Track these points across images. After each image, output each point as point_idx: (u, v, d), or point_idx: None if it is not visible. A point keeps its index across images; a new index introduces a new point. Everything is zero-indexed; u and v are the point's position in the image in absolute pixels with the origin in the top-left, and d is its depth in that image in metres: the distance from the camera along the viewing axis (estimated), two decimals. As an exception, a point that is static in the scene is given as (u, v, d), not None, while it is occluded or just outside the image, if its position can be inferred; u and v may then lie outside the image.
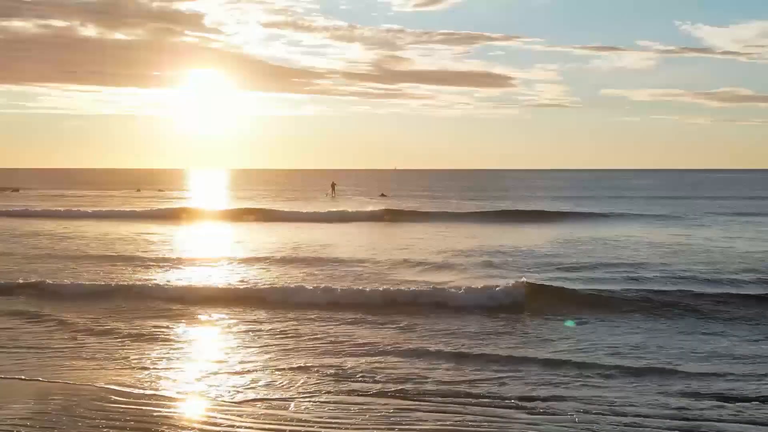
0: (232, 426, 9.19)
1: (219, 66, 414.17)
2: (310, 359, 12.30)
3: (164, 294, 18.04)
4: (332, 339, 13.78)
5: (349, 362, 12.07)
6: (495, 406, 9.87)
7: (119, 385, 10.84)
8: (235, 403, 10.10)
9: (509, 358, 12.29)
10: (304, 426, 9.17)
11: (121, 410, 9.68)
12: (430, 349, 12.94)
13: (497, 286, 17.54)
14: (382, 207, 52.04)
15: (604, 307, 16.45)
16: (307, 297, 17.36)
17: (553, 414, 9.56)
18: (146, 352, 12.84)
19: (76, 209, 51.89)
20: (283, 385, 10.86)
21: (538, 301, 16.66)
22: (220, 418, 9.46)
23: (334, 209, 50.39)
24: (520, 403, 9.93)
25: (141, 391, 10.56)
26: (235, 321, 15.46)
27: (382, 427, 9.12)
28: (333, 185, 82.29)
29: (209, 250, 28.95)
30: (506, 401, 10.05)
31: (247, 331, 14.53)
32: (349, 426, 9.17)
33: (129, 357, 12.53)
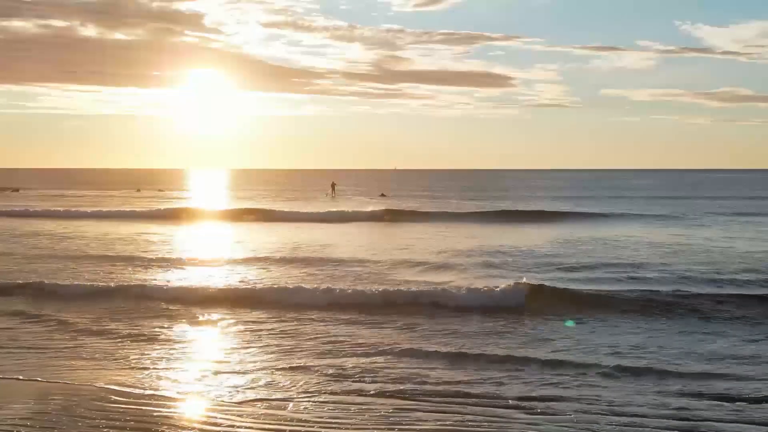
0: (232, 426, 9.20)
1: (219, 66, 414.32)
2: (310, 359, 12.31)
3: (164, 294, 18.04)
4: (332, 339, 13.79)
5: (349, 362, 12.08)
6: (495, 406, 9.87)
7: (119, 385, 10.85)
8: (235, 403, 10.11)
9: (509, 358, 12.29)
10: (304, 426, 9.18)
11: (121, 410, 9.69)
12: (429, 349, 12.94)
13: (497, 286, 17.54)
14: (382, 207, 52.04)
15: (604, 307, 16.45)
16: (306, 297, 17.36)
17: (553, 414, 9.56)
18: (146, 352, 12.85)
19: (76, 209, 51.92)
20: (283, 385, 10.87)
21: (538, 302, 16.66)
22: (220, 418, 9.46)
23: (334, 209, 50.42)
24: (519, 403, 9.93)
25: (141, 391, 10.56)
26: (234, 321, 15.47)
27: (382, 427, 9.12)
28: (333, 185, 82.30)
29: (209, 250, 28.95)
30: (506, 401, 10.06)
31: (246, 332, 14.54)
32: (348, 426, 9.18)
33: (129, 357, 12.54)
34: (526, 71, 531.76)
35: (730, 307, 16.35)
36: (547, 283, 18.44)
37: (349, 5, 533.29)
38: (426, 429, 9.08)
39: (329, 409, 9.78)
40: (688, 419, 9.32)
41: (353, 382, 11.02)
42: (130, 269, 22.57)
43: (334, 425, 9.19)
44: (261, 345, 13.39)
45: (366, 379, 11.15)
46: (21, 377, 11.30)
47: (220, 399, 10.29)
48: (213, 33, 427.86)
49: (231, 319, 15.68)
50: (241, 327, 14.92)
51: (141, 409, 9.78)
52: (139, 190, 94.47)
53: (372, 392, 10.51)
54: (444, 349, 12.90)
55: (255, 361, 12.23)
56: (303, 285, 18.94)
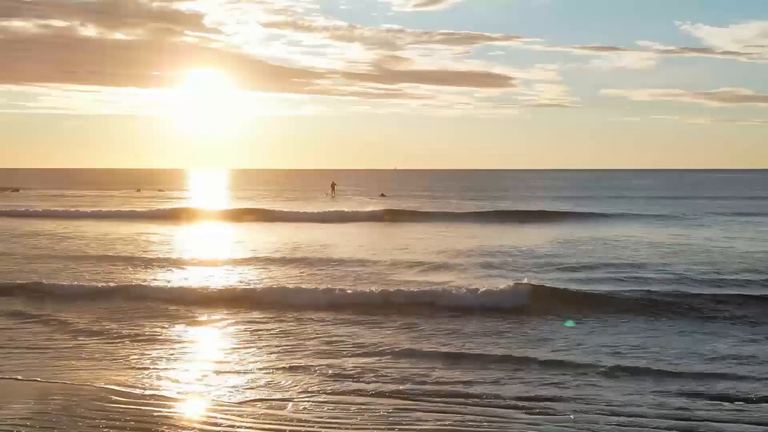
0: (233, 426, 9.20)
1: (219, 66, 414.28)
2: (310, 359, 12.31)
3: (164, 294, 18.04)
4: (332, 339, 13.79)
5: (349, 362, 12.08)
6: (495, 406, 9.87)
7: (119, 385, 10.85)
8: (235, 403, 10.11)
9: (509, 358, 12.30)
10: (304, 426, 9.18)
11: (122, 410, 9.69)
12: (429, 349, 12.95)
13: (498, 286, 17.54)
14: (382, 207, 52.06)
15: (604, 307, 16.45)
16: (306, 297, 17.36)
17: (553, 414, 9.56)
18: (146, 352, 12.85)
19: (76, 209, 51.93)
20: (283, 385, 10.87)
21: (538, 302, 16.66)
22: (221, 418, 9.46)
23: (334, 209, 50.43)
24: (519, 403, 9.93)
25: (141, 391, 10.57)
26: (234, 321, 15.47)
27: (382, 427, 9.13)
28: (333, 185, 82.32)
29: (209, 250, 28.96)
30: (506, 401, 10.06)
31: (246, 332, 14.54)
32: (348, 426, 9.18)
33: (129, 357, 12.54)
34: (526, 71, 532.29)
35: (730, 307, 16.35)
36: (547, 284, 18.45)
37: (349, 5, 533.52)
38: (426, 429, 9.08)
39: (329, 409, 9.78)
40: (687, 419, 9.33)
41: (353, 382, 11.02)
42: (130, 269, 22.57)
43: (334, 425, 9.19)
44: (261, 345, 13.40)
45: (366, 379, 11.15)
46: (21, 377, 11.30)
47: (220, 399, 10.29)
48: (213, 33, 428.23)
49: (231, 319, 15.69)
50: (241, 327, 14.92)
51: (141, 409, 9.79)
52: (139, 190, 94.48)
53: (372, 392, 10.52)
54: (444, 349, 12.91)
55: (255, 361, 12.24)
56: (303, 285, 18.96)
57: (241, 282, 19.99)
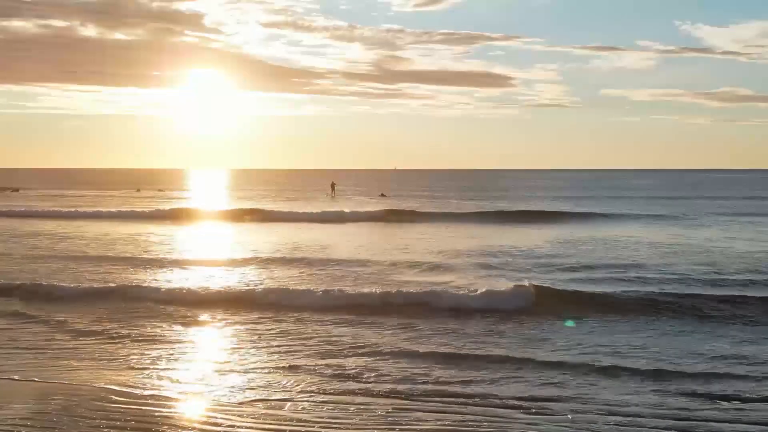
0: (233, 426, 9.21)
1: (219, 66, 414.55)
2: (310, 359, 12.32)
3: (164, 295, 18.04)
4: (332, 339, 13.80)
5: (349, 362, 12.09)
6: (495, 406, 9.88)
7: (120, 385, 10.86)
8: (235, 403, 10.12)
9: (509, 358, 12.30)
10: (304, 426, 9.19)
11: (122, 410, 9.70)
12: (429, 349, 12.95)
13: (498, 288, 17.54)
14: (383, 207, 52.08)
15: (603, 307, 16.45)
16: (306, 298, 17.36)
17: (553, 414, 9.57)
18: (146, 353, 12.86)
19: (76, 209, 51.93)
20: (283, 385, 10.88)
21: (538, 302, 16.66)
22: (221, 418, 9.47)
23: (334, 209, 50.43)
24: (519, 403, 9.94)
25: (141, 392, 10.57)
26: (234, 321, 15.48)
27: (382, 427, 9.14)
28: (333, 185, 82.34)
29: (209, 250, 28.97)
30: (506, 401, 10.06)
31: (246, 332, 14.55)
32: (348, 426, 9.19)
33: (129, 357, 12.55)
34: (526, 71, 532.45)
35: (730, 307, 16.35)
36: (547, 284, 18.44)
37: (349, 5, 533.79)
38: (426, 429, 9.09)
39: (329, 409, 9.79)
40: (687, 419, 9.34)
41: (353, 382, 11.03)
42: (130, 269, 22.58)
43: (333, 425, 9.20)
44: (261, 345, 13.40)
45: (366, 379, 11.16)
46: (21, 377, 11.31)
47: (220, 399, 10.30)
48: (213, 33, 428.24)
49: (231, 319, 15.69)
50: (241, 327, 14.93)
51: (141, 409, 9.79)
52: (139, 190, 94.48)
53: (372, 392, 10.52)
54: (444, 350, 12.91)
55: (255, 361, 12.24)
56: (303, 285, 18.97)
57: (241, 282, 19.99)
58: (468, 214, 47.73)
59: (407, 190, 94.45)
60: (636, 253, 25.81)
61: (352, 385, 10.85)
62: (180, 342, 13.78)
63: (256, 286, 19.22)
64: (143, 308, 16.72)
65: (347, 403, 10.02)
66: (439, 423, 9.24)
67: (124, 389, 10.65)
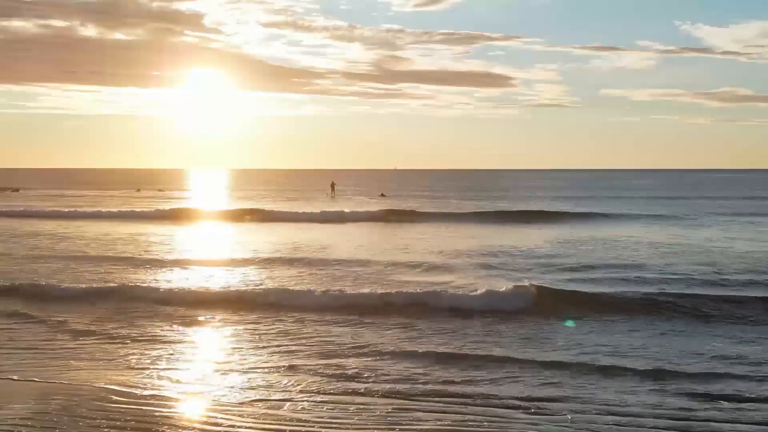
0: (233, 426, 9.21)
1: (219, 66, 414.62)
2: (310, 359, 12.32)
3: (164, 295, 18.04)
4: (332, 339, 13.80)
5: (349, 362, 12.09)
6: (495, 406, 9.88)
7: (120, 385, 10.86)
8: (235, 403, 10.12)
9: (509, 358, 12.30)
10: (304, 426, 9.19)
11: (122, 410, 9.70)
12: (429, 349, 12.95)
13: (498, 288, 17.55)
14: (383, 207, 52.08)
15: (603, 307, 16.45)
16: (306, 298, 17.35)
17: (553, 414, 9.57)
18: (146, 353, 12.86)
19: (75, 209, 51.92)
20: (283, 385, 10.88)
21: (539, 302, 16.66)
22: (221, 418, 9.47)
23: (334, 209, 50.44)
24: (519, 403, 9.94)
25: (142, 392, 10.58)
26: (234, 322, 15.48)
27: (382, 426, 9.14)
28: (333, 185, 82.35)
29: (209, 250, 28.97)
30: (506, 401, 10.07)
31: (246, 332, 14.55)
32: (349, 426, 9.19)
33: (129, 357, 12.55)
34: (526, 71, 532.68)
35: (730, 306, 16.36)
36: (547, 284, 18.44)
37: (349, 5, 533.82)
38: (426, 429, 9.09)
39: (329, 409, 9.79)
40: (686, 419, 9.34)
41: (353, 382, 11.03)
42: (130, 270, 22.58)
43: (334, 425, 9.20)
44: (261, 345, 13.41)
45: (366, 379, 11.16)
46: (21, 377, 11.31)
47: (220, 399, 10.30)
48: (213, 33, 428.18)
49: (231, 319, 15.70)
50: (241, 327, 14.93)
51: (142, 409, 9.80)
52: (139, 190, 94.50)
53: (372, 392, 10.52)
54: (444, 350, 12.91)
55: (255, 361, 12.24)
56: (303, 285, 18.98)
57: (241, 282, 19.99)
58: (468, 214, 47.73)
59: (407, 190, 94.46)
60: (636, 253, 25.81)
61: (352, 385, 10.85)
62: (180, 342, 13.78)
63: (256, 286, 19.22)
64: (143, 308, 16.73)
65: (347, 403, 10.02)
66: (439, 423, 9.24)
67: (124, 389, 10.65)
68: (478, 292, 17.24)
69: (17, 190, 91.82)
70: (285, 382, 11.06)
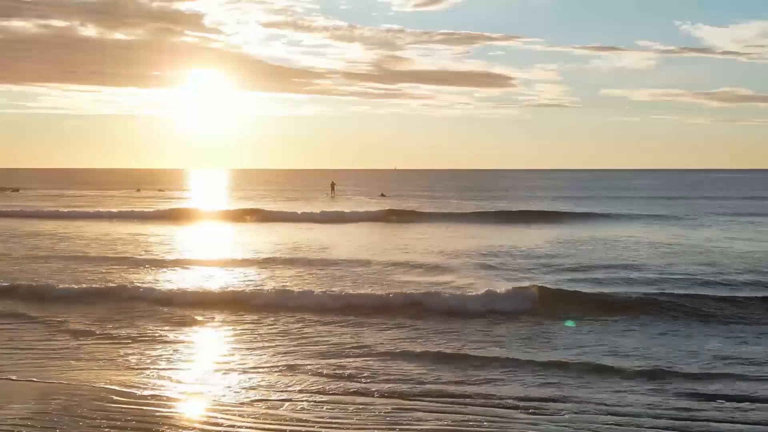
0: (233, 426, 9.21)
1: (219, 66, 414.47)
2: (310, 359, 12.33)
3: (164, 295, 18.04)
4: (332, 340, 13.80)
5: (349, 362, 12.09)
6: (495, 406, 9.89)
7: (120, 385, 10.86)
8: (235, 403, 10.12)
9: (509, 358, 12.30)
10: (304, 426, 9.20)
11: (122, 410, 9.71)
12: (430, 349, 12.95)
13: (498, 288, 17.55)
14: (383, 207, 52.10)
15: (603, 307, 16.46)
16: (307, 298, 17.35)
17: (553, 414, 9.58)
18: (147, 353, 12.86)
19: (75, 209, 51.93)
20: (283, 385, 10.89)
21: (539, 303, 16.66)
22: (221, 418, 9.48)
23: (334, 209, 50.45)
24: (519, 403, 9.95)
25: (141, 392, 10.58)
26: (234, 322, 15.48)
27: (382, 426, 9.14)
28: (333, 185, 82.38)
29: (209, 250, 28.98)
30: (506, 401, 10.07)
31: (246, 332, 14.55)
32: (349, 426, 9.20)
33: (129, 357, 12.56)
34: (526, 71, 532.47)
35: (731, 307, 16.37)
36: (547, 285, 18.45)
37: (349, 5, 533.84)
38: (426, 429, 9.09)
39: (329, 409, 9.80)
40: (686, 419, 9.34)
41: (353, 382, 11.04)
42: (130, 270, 22.58)
43: (333, 425, 9.20)
44: (261, 345, 13.41)
45: (366, 379, 11.16)
46: (21, 377, 11.31)
47: (220, 399, 10.31)
48: (213, 33, 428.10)
49: (231, 319, 15.70)
50: (241, 328, 14.94)
51: (142, 409, 9.80)
52: (139, 190, 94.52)
53: (372, 392, 10.53)
54: (444, 350, 12.91)
55: (255, 361, 12.25)
56: (303, 286, 18.98)
57: (241, 282, 20.00)
58: (468, 214, 47.74)
59: (407, 190, 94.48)
60: (636, 253, 25.82)
61: (352, 385, 10.85)
62: (180, 342, 13.78)
63: (256, 286, 19.22)
64: (143, 308, 16.73)
65: (347, 403, 10.03)
66: (439, 423, 9.25)
67: (125, 389, 10.66)
68: (479, 292, 17.23)
69: (17, 190, 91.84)
70: (285, 382, 11.07)
